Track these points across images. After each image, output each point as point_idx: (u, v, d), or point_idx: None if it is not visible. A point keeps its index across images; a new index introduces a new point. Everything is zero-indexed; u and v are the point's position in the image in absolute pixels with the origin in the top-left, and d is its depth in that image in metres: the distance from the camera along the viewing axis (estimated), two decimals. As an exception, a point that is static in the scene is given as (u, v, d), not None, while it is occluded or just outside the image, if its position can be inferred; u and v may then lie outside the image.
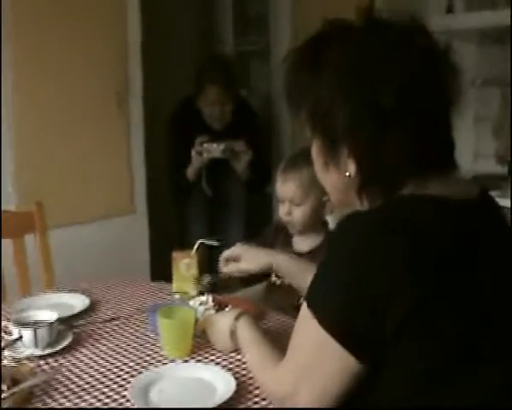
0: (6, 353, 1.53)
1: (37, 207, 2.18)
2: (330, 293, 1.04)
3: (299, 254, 1.85)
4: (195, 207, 3.47)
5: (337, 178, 1.14)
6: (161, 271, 3.33)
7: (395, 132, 1.04)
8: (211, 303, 1.75)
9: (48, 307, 1.83)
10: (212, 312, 1.71)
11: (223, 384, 1.36)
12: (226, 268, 1.71)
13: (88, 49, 2.99)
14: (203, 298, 1.78)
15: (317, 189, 1.77)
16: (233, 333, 1.47)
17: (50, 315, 1.63)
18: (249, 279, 1.94)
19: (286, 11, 3.76)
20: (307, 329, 1.08)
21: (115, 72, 3.11)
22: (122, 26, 3.13)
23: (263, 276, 1.93)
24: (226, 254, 1.72)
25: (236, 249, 1.70)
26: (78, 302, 1.90)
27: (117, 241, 3.20)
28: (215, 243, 1.95)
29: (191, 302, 1.77)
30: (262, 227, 2.18)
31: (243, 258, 1.68)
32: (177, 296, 1.94)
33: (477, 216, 1.10)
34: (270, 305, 1.88)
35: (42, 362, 1.53)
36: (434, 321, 0.99)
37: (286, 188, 1.91)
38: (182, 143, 3.23)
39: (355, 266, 1.01)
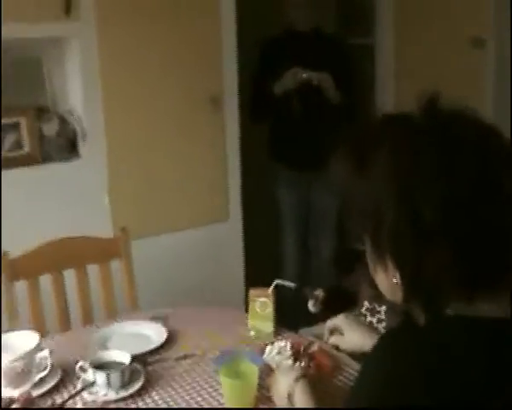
0: (84, 394, 1.64)
1: (122, 233, 2.27)
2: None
3: None
4: (286, 171, 3.55)
5: (386, 282, 1.11)
6: (256, 277, 3.42)
7: (437, 250, 0.99)
8: (288, 351, 1.77)
9: (126, 338, 1.94)
10: (289, 363, 1.73)
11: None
12: (330, 340, 1.71)
13: (181, 54, 3.03)
14: (282, 344, 1.80)
15: None
16: (290, 396, 1.49)
17: (124, 358, 1.71)
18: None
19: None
20: None
21: (210, 77, 3.14)
22: (216, 28, 3.14)
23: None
24: (329, 325, 1.73)
25: (339, 322, 1.70)
26: (155, 335, 1.97)
27: (211, 247, 3.27)
28: (291, 285, 1.96)
29: (268, 348, 1.80)
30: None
31: (345, 333, 1.68)
32: (252, 333, 1.97)
33: None
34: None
35: (113, 405, 1.61)
36: None
37: None
38: (272, 65, 3.32)
39: (385, 390, 1.00)
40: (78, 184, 2.84)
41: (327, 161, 3.68)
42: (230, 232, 3.34)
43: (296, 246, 3.70)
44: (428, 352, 0.99)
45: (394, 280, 1.07)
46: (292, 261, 3.72)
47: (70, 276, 2.22)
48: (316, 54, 3.36)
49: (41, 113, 2.74)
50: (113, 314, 2.21)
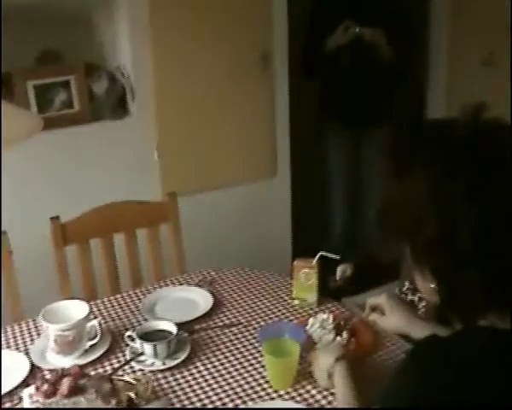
0: (132, 363, 1.70)
1: (171, 197, 2.29)
2: None
3: None
4: (336, 127, 3.55)
5: (423, 284, 1.12)
6: (302, 234, 3.44)
7: (470, 269, 0.99)
8: (330, 325, 1.79)
9: (173, 304, 1.99)
10: (331, 337, 1.76)
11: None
12: (370, 317, 1.72)
13: (232, 10, 2.98)
14: (324, 316, 1.83)
15: None
16: (330, 375, 1.51)
17: (171, 328, 1.76)
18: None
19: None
20: None
21: (260, 33, 3.09)
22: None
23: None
24: (372, 302, 1.73)
25: (382, 300, 1.70)
26: (202, 301, 2.02)
27: (258, 204, 3.29)
28: (335, 257, 1.96)
29: (311, 320, 1.83)
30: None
31: (386, 313, 1.67)
32: (296, 302, 2.00)
33: None
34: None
35: (160, 375, 1.67)
36: None
37: None
38: (324, 19, 3.29)
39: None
40: (128, 141, 2.86)
41: (377, 119, 3.71)
42: (278, 189, 3.34)
43: (343, 205, 3.69)
44: (456, 365, 1.00)
45: (432, 285, 1.08)
46: (338, 220, 3.72)
47: (119, 240, 2.27)
48: (369, 8, 3.26)
49: (90, 71, 2.75)
50: (161, 277, 2.25)
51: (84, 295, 2.16)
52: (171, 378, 1.66)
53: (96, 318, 1.81)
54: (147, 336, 1.73)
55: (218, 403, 1.56)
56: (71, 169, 2.77)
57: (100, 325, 1.76)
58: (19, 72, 2.63)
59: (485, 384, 0.98)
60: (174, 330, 1.74)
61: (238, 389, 1.61)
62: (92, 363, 1.73)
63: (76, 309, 1.78)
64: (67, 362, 1.69)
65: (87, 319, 1.75)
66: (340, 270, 1.97)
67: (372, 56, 3.27)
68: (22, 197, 2.71)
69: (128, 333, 1.76)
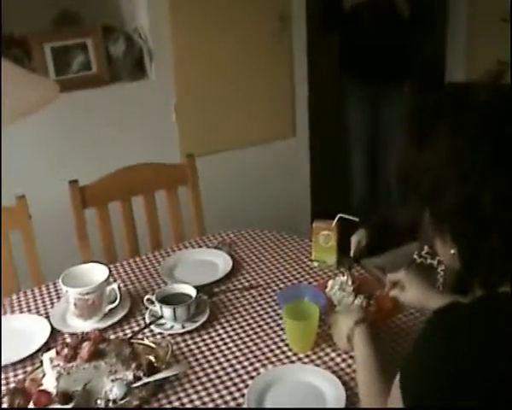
0: (152, 326, 1.71)
1: (189, 160, 2.28)
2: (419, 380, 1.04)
3: None
4: (355, 84, 3.54)
5: (443, 250, 1.09)
6: (322, 193, 3.42)
7: (493, 234, 0.98)
8: (350, 287, 1.78)
9: (193, 266, 1.99)
10: (350, 299, 1.75)
11: (333, 398, 1.41)
12: (391, 292, 1.70)
13: None
14: (343, 278, 1.82)
15: None
16: (349, 339, 1.51)
17: (191, 291, 1.76)
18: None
19: None
20: (398, 398, 1.09)
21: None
22: None
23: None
24: (391, 278, 1.70)
25: (401, 276, 1.67)
26: (221, 264, 2.01)
27: (278, 164, 3.26)
28: (354, 219, 1.94)
29: (330, 282, 1.82)
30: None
31: (406, 287, 1.65)
32: (315, 264, 1.99)
33: None
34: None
35: (179, 339, 1.68)
36: None
37: None
38: None
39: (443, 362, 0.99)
40: (146, 103, 2.84)
41: (396, 74, 3.68)
42: (297, 149, 3.31)
43: (363, 165, 3.67)
44: (478, 330, 0.99)
45: (452, 251, 1.06)
46: (359, 178, 3.70)
47: (138, 203, 2.27)
48: None
49: (108, 33, 2.72)
50: (180, 240, 2.25)
51: (104, 258, 2.16)
52: (190, 342, 1.67)
53: (115, 281, 1.81)
54: (166, 300, 1.73)
55: (238, 366, 1.56)
56: (89, 131, 2.76)
57: (119, 288, 1.76)
58: (35, 35, 2.61)
59: (505, 352, 0.97)
60: (193, 293, 1.74)
61: (258, 353, 1.61)
62: (112, 327, 1.74)
63: (96, 273, 1.78)
64: (88, 326, 1.70)
65: (107, 282, 1.75)
66: (353, 243, 1.94)
67: (390, 13, 3.25)
68: (41, 160, 2.71)
69: (147, 297, 1.76)
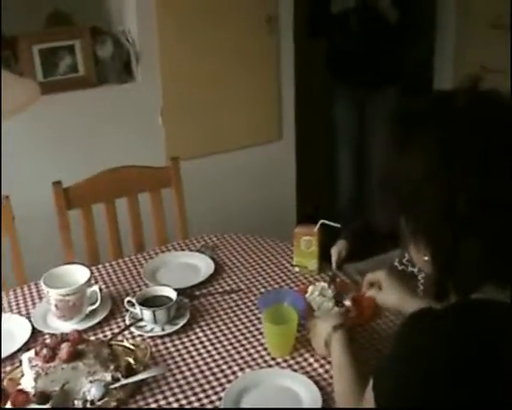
0: (132, 328, 1.72)
1: (173, 163, 2.29)
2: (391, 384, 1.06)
3: None
4: (342, 88, 3.56)
5: (416, 256, 1.12)
6: (308, 197, 3.43)
7: (468, 240, 0.99)
8: (330, 293, 1.80)
9: (175, 269, 2.01)
10: (330, 305, 1.76)
11: (309, 402, 1.43)
12: (368, 292, 1.72)
13: None
14: (324, 284, 1.84)
15: None
16: (327, 344, 1.52)
17: (171, 293, 1.77)
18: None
19: None
20: (371, 402, 1.11)
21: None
22: None
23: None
24: (370, 278, 1.72)
25: (380, 276, 1.69)
26: (203, 267, 2.02)
27: (264, 168, 3.28)
28: (336, 225, 1.96)
29: (311, 288, 1.83)
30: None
31: (384, 288, 1.66)
32: (296, 269, 2.01)
33: None
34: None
35: (159, 341, 1.69)
36: None
37: None
38: None
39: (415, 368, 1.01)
40: (133, 105, 2.85)
41: (383, 80, 3.71)
42: (283, 153, 3.32)
43: (350, 169, 3.70)
44: (448, 336, 1.01)
45: (425, 258, 1.08)
46: (345, 182, 3.72)
47: (122, 205, 2.28)
48: None
49: (95, 35, 2.73)
50: (164, 242, 2.26)
51: (87, 259, 2.17)
52: (169, 344, 1.68)
53: (96, 283, 1.82)
54: (147, 302, 1.74)
55: (216, 370, 1.58)
56: (75, 133, 2.77)
57: (100, 290, 1.77)
58: (25, 36, 2.61)
59: (475, 358, 0.98)
60: (174, 296, 1.76)
61: (236, 356, 1.63)
62: (92, 328, 1.75)
63: (77, 274, 1.79)
64: (68, 327, 1.71)
65: (88, 284, 1.76)
66: (334, 254, 1.96)
67: (377, 18, 3.27)
68: (27, 161, 2.71)
69: (128, 299, 1.77)
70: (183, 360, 1.62)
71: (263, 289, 1.92)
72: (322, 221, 1.97)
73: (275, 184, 3.32)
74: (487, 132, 1.01)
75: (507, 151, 1.00)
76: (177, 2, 2.82)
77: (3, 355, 1.63)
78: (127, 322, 1.75)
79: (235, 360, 1.61)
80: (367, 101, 3.58)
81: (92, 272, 1.83)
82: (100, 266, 2.08)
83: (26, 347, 1.66)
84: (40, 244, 2.48)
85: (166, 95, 2.89)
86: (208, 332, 1.73)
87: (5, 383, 1.51)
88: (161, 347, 1.67)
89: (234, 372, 1.57)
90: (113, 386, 1.48)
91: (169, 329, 1.72)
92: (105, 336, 1.72)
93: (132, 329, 1.72)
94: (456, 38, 3.66)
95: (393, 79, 3.52)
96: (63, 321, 1.75)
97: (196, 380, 1.55)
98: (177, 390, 1.52)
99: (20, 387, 1.48)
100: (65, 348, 1.49)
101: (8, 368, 1.59)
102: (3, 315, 1.82)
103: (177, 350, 1.66)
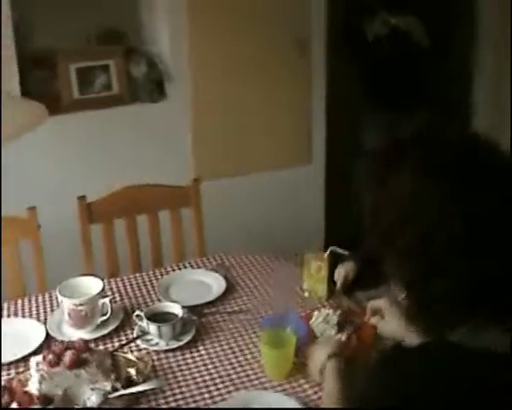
0: (139, 342, 1.80)
1: (194, 183, 2.37)
2: None
3: None
4: (375, 112, 3.61)
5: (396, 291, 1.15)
6: (336, 222, 3.46)
7: (442, 277, 1.01)
8: (334, 320, 1.84)
9: (187, 286, 2.08)
10: (333, 332, 1.80)
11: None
12: (370, 320, 1.75)
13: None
14: (328, 311, 1.87)
15: None
16: (322, 371, 1.56)
17: (178, 310, 1.84)
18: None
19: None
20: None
21: (297, 19, 3.10)
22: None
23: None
24: (372, 305, 1.76)
25: (382, 304, 1.73)
26: (215, 286, 2.09)
27: (293, 190, 3.33)
28: (345, 253, 2.00)
29: (315, 314, 1.87)
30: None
31: (386, 318, 1.70)
32: (305, 294, 2.05)
33: None
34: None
35: (163, 356, 1.76)
36: None
37: None
38: (362, 8, 3.41)
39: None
40: (163, 124, 2.95)
41: (416, 104, 3.67)
42: (313, 176, 3.37)
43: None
44: (410, 375, 1.03)
45: (401, 295, 1.11)
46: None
47: (143, 221, 2.36)
48: None
49: (130, 55, 2.85)
50: (181, 259, 2.34)
51: (107, 272, 2.26)
52: (172, 359, 1.75)
53: (112, 295, 1.90)
54: (154, 317, 1.81)
55: (213, 388, 1.63)
56: (106, 149, 2.88)
57: (111, 302, 1.85)
58: (63, 55, 2.75)
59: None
60: (180, 312, 1.82)
61: (234, 376, 1.68)
62: (103, 338, 1.83)
63: (92, 286, 1.88)
64: (80, 335, 1.79)
65: (100, 295, 1.85)
66: (339, 275, 1.99)
67: (409, 45, 3.35)
68: (57, 174, 2.84)
69: (137, 313, 1.85)
70: (183, 375, 1.68)
71: (271, 311, 1.97)
72: (331, 248, 2.01)
73: (303, 209, 3.37)
74: (465, 171, 1.03)
75: (485, 194, 1.02)
76: (209, 25, 2.92)
77: (16, 357, 1.72)
78: (135, 335, 1.82)
79: (232, 380, 1.66)
80: (399, 126, 3.59)
81: (110, 285, 1.92)
82: (118, 279, 2.16)
83: (38, 351, 1.74)
84: (64, 256, 2.58)
85: (196, 115, 2.98)
86: (211, 350, 1.79)
87: (14, 383, 1.60)
88: (164, 361, 1.74)
89: (229, 392, 1.62)
90: (111, 396, 1.55)
91: (173, 344, 1.78)
92: (113, 346, 1.80)
93: (139, 342, 1.80)
94: (493, 64, 3.60)
95: (426, 104, 3.54)
96: (75, 329, 1.84)
97: (192, 396, 1.61)
98: (173, 404, 1.58)
99: (26, 388, 1.57)
100: (69, 355, 1.57)
101: (20, 369, 1.69)
102: (22, 320, 1.93)
103: (179, 366, 1.72)
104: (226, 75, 3.00)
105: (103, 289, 1.87)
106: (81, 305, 1.81)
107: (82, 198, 2.23)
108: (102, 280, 1.91)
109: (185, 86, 2.94)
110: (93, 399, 1.54)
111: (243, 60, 3.02)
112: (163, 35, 2.89)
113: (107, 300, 1.85)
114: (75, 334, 1.82)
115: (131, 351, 1.75)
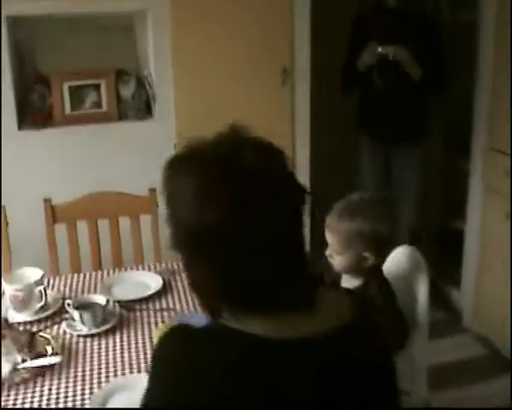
0: (64, 326, 2.06)
1: (151, 193, 2.62)
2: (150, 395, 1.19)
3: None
4: (368, 141, 3.65)
5: None
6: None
7: (196, 266, 1.17)
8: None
9: (130, 285, 2.32)
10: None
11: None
12: None
13: (252, 23, 3.16)
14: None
15: (358, 244, 1.92)
16: None
17: (102, 300, 2.09)
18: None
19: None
20: None
21: (281, 49, 3.23)
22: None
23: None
24: None
25: None
26: (153, 286, 2.32)
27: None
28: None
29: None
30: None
31: None
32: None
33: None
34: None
35: (81, 340, 2.01)
36: None
37: (328, 236, 2.02)
38: (357, 41, 3.45)
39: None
40: (149, 140, 3.20)
41: (408, 135, 3.69)
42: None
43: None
44: (186, 357, 1.13)
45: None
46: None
47: (104, 226, 2.64)
48: (397, 28, 3.36)
49: (120, 76, 3.14)
50: (140, 262, 2.60)
51: (70, 268, 2.55)
52: (88, 344, 1.99)
53: (43, 285, 2.17)
54: (81, 306, 2.07)
55: (112, 374, 1.84)
56: (95, 161, 3.17)
57: (45, 290, 2.13)
58: (57, 75, 3.08)
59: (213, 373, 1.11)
60: (103, 302, 2.07)
61: (134, 364, 1.89)
62: (39, 321, 2.10)
63: (32, 276, 2.16)
64: (20, 317, 2.08)
65: (36, 283, 2.12)
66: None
67: (400, 75, 3.35)
68: (47, 183, 3.10)
69: (67, 301, 2.11)
70: (91, 358, 1.92)
71: (193, 310, 2.18)
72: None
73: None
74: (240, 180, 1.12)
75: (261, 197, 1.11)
76: (193, 49, 3.12)
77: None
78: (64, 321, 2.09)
79: (131, 366, 1.88)
80: (391, 157, 3.66)
81: (43, 276, 2.17)
82: (75, 274, 2.44)
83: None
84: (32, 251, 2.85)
85: (180, 134, 3.23)
86: (125, 340, 2.01)
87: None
88: (81, 344, 1.99)
89: (123, 374, 1.85)
90: (20, 366, 1.82)
91: (93, 330, 2.03)
92: (46, 326, 2.07)
93: (66, 327, 2.06)
94: (491, 91, 3.37)
95: (418, 135, 3.59)
96: (16, 312, 2.12)
97: (91, 375, 1.84)
98: (71, 380, 1.82)
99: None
100: (-8, 331, 1.85)
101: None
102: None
103: (92, 349, 1.96)
104: (209, 99, 3.20)
105: (41, 279, 2.15)
106: (18, 291, 2.09)
107: (47, 201, 2.53)
108: (43, 272, 2.18)
109: (169, 107, 3.19)
110: (5, 368, 1.81)
111: (226, 85, 3.19)
112: (150, 59, 3.17)
113: (41, 288, 2.12)
114: (17, 316, 2.10)
115: (53, 334, 2.01)
